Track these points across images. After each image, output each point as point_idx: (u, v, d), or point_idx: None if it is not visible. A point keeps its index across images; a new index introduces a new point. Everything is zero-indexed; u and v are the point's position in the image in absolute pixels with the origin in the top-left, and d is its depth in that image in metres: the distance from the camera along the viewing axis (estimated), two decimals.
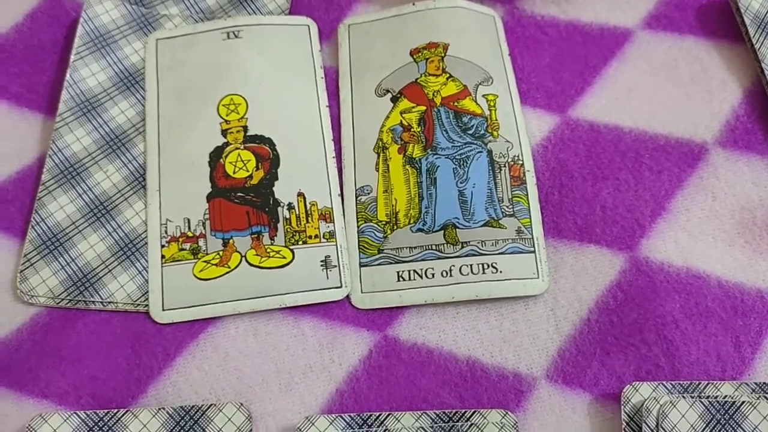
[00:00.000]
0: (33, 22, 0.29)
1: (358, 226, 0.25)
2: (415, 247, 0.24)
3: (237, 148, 0.26)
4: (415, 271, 0.24)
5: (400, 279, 0.24)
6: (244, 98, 0.26)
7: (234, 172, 0.25)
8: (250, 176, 0.25)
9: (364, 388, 0.23)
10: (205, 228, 0.25)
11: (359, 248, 0.25)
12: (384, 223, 0.25)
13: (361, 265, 0.24)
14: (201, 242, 0.25)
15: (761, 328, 0.23)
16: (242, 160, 0.26)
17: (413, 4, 0.28)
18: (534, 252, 0.24)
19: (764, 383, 0.22)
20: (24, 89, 0.28)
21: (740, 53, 0.28)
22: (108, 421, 0.22)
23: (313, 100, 0.27)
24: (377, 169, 0.26)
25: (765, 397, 0.21)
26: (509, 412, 0.22)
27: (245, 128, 0.26)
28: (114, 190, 0.26)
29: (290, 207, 0.25)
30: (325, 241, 0.25)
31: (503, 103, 0.26)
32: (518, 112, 0.26)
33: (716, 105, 0.27)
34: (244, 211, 0.25)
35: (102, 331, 0.24)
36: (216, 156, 0.26)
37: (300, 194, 0.25)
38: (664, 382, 0.22)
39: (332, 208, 0.25)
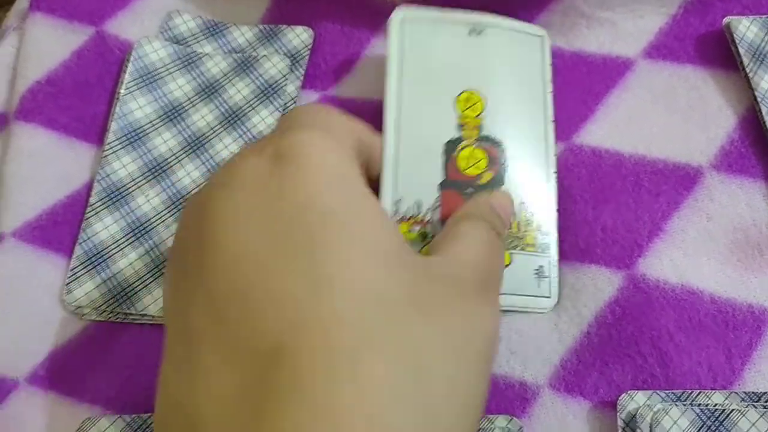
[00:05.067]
0: (80, 59, 0.32)
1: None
2: None
3: (470, 145, 0.26)
4: None
5: None
6: (482, 96, 0.27)
7: (466, 168, 0.26)
8: (480, 175, 0.26)
9: None
10: (433, 216, 0.25)
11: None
12: None
13: None
14: (428, 228, 0.25)
15: (751, 341, 0.25)
16: (474, 158, 0.26)
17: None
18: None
19: (753, 393, 0.23)
20: (72, 120, 0.31)
21: (735, 81, 0.29)
22: (151, 423, 0.24)
23: (540, 113, 0.28)
24: None
25: (753, 406, 0.23)
26: (515, 418, 0.24)
27: (479, 127, 0.27)
28: (153, 213, 0.28)
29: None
30: (540, 252, 0.26)
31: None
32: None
33: (712, 131, 0.29)
34: None
35: (143, 342, 0.26)
36: (450, 148, 0.26)
37: (522, 203, 0.26)
38: (658, 391, 0.24)
39: (548, 222, 0.26)
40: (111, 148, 0.29)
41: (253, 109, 0.31)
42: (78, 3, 0.33)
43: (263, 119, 0.30)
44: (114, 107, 0.30)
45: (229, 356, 0.16)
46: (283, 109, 0.31)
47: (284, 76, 0.31)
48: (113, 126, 0.30)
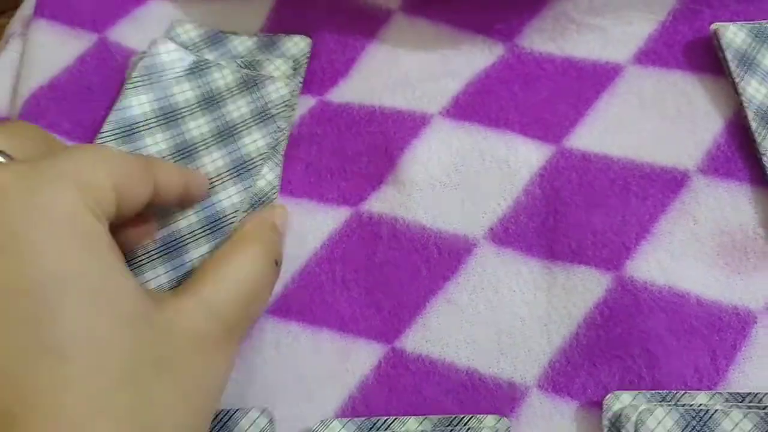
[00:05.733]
0: (82, 65, 0.33)
1: None
2: None
3: None
4: None
5: None
6: None
7: None
8: None
9: (373, 395, 0.25)
10: None
11: None
12: None
13: None
14: None
15: (736, 342, 0.25)
16: None
17: None
18: None
19: (737, 393, 0.24)
20: (74, 126, 0.31)
21: (723, 86, 0.30)
22: None
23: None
24: None
25: (737, 406, 0.24)
26: (503, 417, 0.24)
27: None
28: None
29: None
30: None
31: None
32: None
33: (699, 135, 0.29)
34: None
35: None
36: None
37: None
38: (644, 392, 0.24)
39: None
40: (102, 139, 0.30)
41: (248, 128, 0.30)
42: (81, 10, 0.34)
43: (254, 141, 0.30)
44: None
45: None
46: (276, 137, 0.30)
47: (285, 102, 0.31)
48: (110, 117, 0.30)
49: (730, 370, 0.25)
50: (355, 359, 0.26)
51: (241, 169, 0.29)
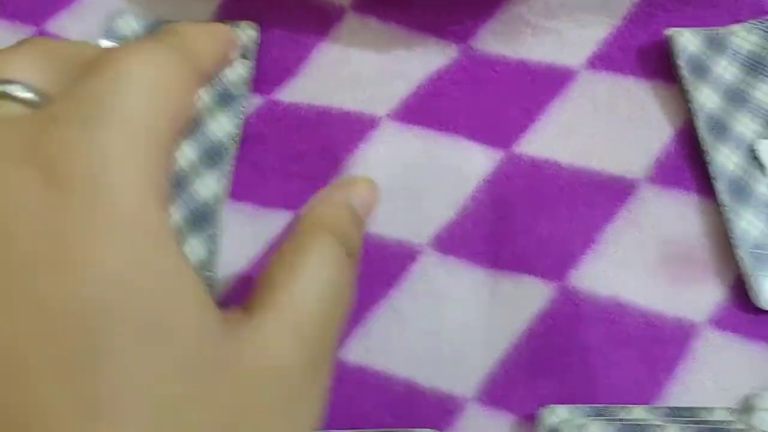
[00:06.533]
0: None
1: None
2: None
3: None
4: None
5: None
6: None
7: None
8: None
9: None
10: None
11: None
12: None
13: None
14: None
15: (676, 356, 0.25)
16: None
17: None
18: None
19: (675, 407, 0.24)
20: None
21: (676, 93, 0.30)
22: None
23: None
24: None
25: (674, 421, 0.23)
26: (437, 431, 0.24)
27: None
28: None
29: None
30: None
31: None
32: None
33: (649, 143, 0.29)
34: None
35: None
36: None
37: None
38: (581, 405, 0.24)
39: None
40: None
41: (213, 115, 0.30)
42: (20, 2, 0.32)
43: (221, 126, 0.30)
44: None
45: None
46: (241, 115, 0.30)
47: (243, 81, 0.30)
48: None
49: (670, 383, 0.24)
50: None
51: (215, 155, 0.29)
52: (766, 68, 0.29)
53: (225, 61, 0.19)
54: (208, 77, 0.18)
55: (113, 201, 0.13)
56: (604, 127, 0.29)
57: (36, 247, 0.13)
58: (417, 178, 0.29)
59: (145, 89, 0.14)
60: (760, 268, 0.26)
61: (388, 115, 0.30)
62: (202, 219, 0.28)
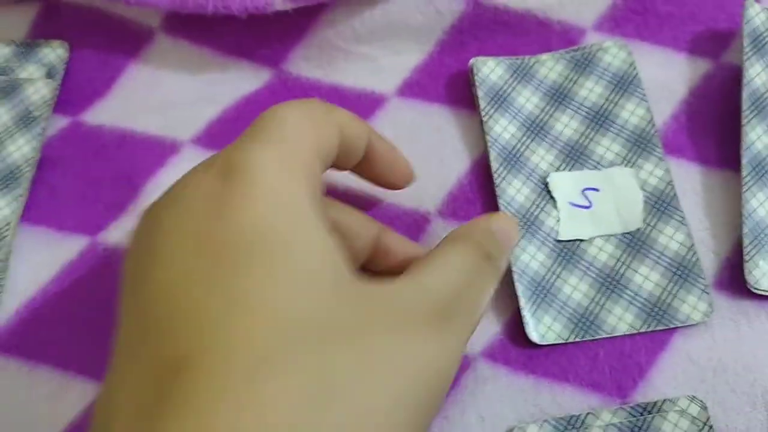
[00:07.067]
0: None
1: None
2: None
3: None
4: None
5: None
6: None
7: None
8: None
9: None
10: None
11: None
12: None
13: None
14: None
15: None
16: None
17: None
18: None
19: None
20: None
21: (477, 123, 0.30)
22: None
23: None
24: None
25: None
26: None
27: None
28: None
29: None
30: None
31: None
32: None
33: (445, 175, 0.29)
34: None
35: None
36: None
37: None
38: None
39: None
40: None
41: (11, 136, 0.29)
42: None
43: (19, 148, 0.29)
44: None
45: (142, 369, 0.17)
46: (40, 138, 0.29)
47: (46, 102, 0.30)
48: None
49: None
50: (70, 399, 0.25)
51: (9, 179, 0.28)
52: (567, 99, 0.30)
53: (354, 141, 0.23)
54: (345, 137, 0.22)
55: (261, 180, 0.18)
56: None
57: (206, 206, 0.18)
58: None
59: (293, 126, 0.20)
60: (534, 301, 0.26)
61: (190, 140, 0.30)
62: None
